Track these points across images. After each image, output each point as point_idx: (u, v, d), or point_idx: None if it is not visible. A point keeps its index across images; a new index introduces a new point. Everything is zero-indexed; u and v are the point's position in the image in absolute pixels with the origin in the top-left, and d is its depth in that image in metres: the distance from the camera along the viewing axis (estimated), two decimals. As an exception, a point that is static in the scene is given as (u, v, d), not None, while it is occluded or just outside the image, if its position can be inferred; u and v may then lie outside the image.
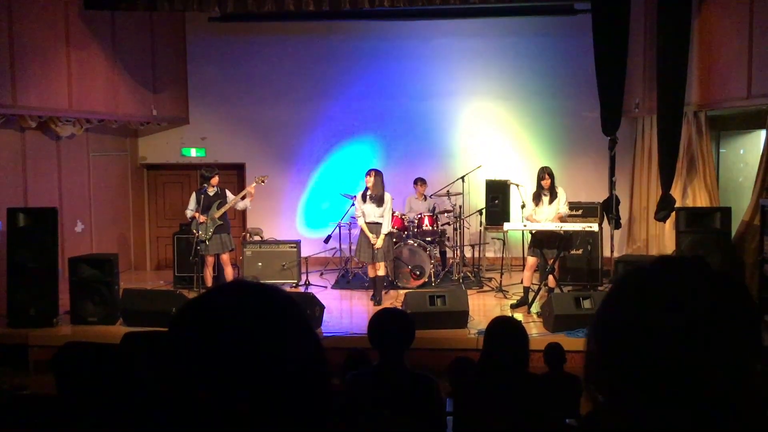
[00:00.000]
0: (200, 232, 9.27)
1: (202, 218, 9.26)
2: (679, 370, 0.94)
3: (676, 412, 0.94)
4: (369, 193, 9.20)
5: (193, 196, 9.48)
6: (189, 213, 9.43)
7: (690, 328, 0.95)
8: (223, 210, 9.35)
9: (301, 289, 9.99)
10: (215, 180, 9.42)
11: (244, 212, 11.09)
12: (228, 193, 9.55)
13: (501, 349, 3.74)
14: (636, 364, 0.97)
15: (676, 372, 0.94)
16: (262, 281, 1.16)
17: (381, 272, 9.34)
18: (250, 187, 9.60)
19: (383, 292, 9.53)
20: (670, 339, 0.95)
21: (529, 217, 8.90)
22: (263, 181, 9.79)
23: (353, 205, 9.99)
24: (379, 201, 9.17)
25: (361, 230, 9.32)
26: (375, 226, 9.19)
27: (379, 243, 9.09)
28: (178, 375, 0.97)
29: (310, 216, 12.46)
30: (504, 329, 3.86)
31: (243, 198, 9.51)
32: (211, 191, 9.41)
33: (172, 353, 0.99)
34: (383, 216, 9.18)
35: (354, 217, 9.82)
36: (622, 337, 1.00)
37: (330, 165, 12.35)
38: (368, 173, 9.26)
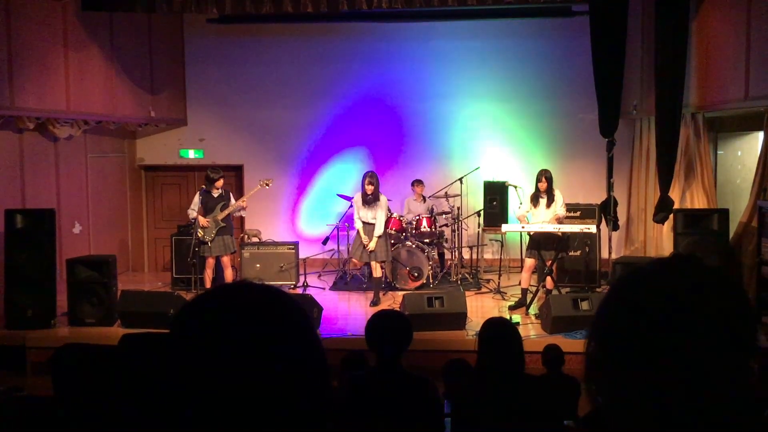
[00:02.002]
0: (200, 233, 9.28)
1: (203, 220, 9.26)
2: (678, 370, 0.94)
3: (675, 411, 0.94)
4: (368, 195, 9.22)
5: (197, 196, 9.49)
6: (191, 213, 9.42)
7: (687, 327, 0.96)
8: (225, 212, 9.35)
9: (299, 291, 9.98)
10: (220, 182, 9.41)
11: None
12: (232, 196, 9.57)
13: (494, 351, 3.74)
14: (635, 365, 0.97)
15: (674, 372, 0.94)
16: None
17: (377, 273, 9.37)
18: (245, 198, 9.59)
19: (381, 293, 9.53)
20: (667, 339, 0.96)
21: (521, 217, 8.91)
22: (267, 185, 9.80)
23: (352, 206, 10.00)
24: (374, 203, 9.23)
25: (357, 230, 9.37)
26: (369, 227, 9.26)
27: (372, 245, 9.14)
28: (179, 375, 0.97)
29: (308, 217, 12.46)
30: (495, 331, 3.86)
31: (241, 207, 9.53)
32: (215, 193, 9.41)
33: (174, 353, 0.99)
34: (376, 217, 9.23)
35: (351, 219, 9.82)
36: (621, 337, 1.00)
37: (328, 166, 12.35)
38: (369, 176, 9.28)
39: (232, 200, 9.50)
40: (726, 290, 1.00)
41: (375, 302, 9.25)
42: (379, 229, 9.25)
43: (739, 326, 0.96)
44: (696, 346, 0.95)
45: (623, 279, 1.07)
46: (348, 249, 10.86)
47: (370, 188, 9.18)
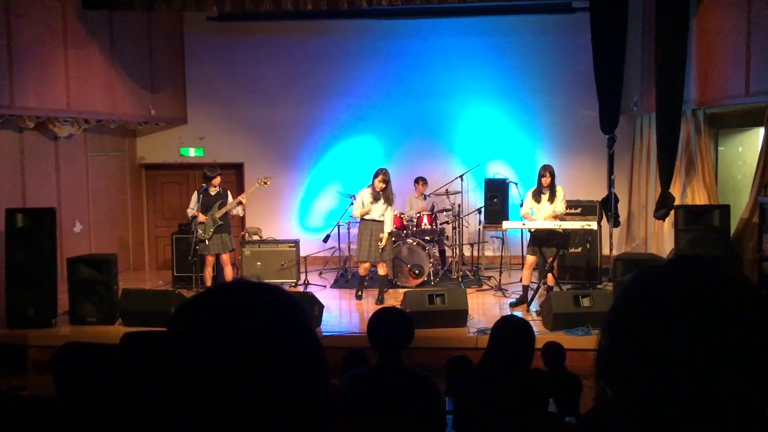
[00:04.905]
0: (200, 232, 9.28)
1: (202, 217, 9.27)
2: (689, 369, 0.94)
3: (683, 408, 0.94)
4: (377, 192, 9.10)
5: (195, 195, 9.48)
6: (190, 212, 9.44)
7: (703, 327, 0.95)
8: (223, 210, 9.35)
9: (300, 289, 9.98)
10: (217, 180, 9.41)
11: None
12: (230, 194, 9.55)
13: (508, 349, 3.74)
14: (647, 362, 0.96)
15: (685, 370, 0.94)
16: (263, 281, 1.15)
17: (382, 271, 9.33)
18: (243, 195, 9.55)
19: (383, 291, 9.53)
20: (682, 337, 0.95)
21: (526, 214, 8.90)
22: (266, 183, 9.78)
23: (352, 204, 9.98)
24: (387, 200, 9.15)
25: (361, 230, 9.24)
26: (377, 224, 9.16)
27: (384, 242, 9.06)
28: (177, 374, 0.97)
29: (308, 215, 12.46)
30: (513, 329, 3.86)
31: (238, 204, 9.48)
32: (213, 191, 9.41)
33: (171, 352, 0.99)
34: (384, 215, 9.16)
35: (353, 216, 9.72)
36: (634, 335, 0.99)
37: (328, 164, 12.35)
38: (382, 173, 9.12)
39: (230, 198, 9.49)
40: (744, 294, 0.99)
41: (380, 300, 9.23)
42: (389, 226, 9.15)
43: (755, 330, 0.96)
44: (709, 348, 0.94)
45: (640, 276, 1.06)
46: (349, 247, 10.86)
47: (381, 186, 9.08)
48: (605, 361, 1.03)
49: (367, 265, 9.35)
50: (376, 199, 9.12)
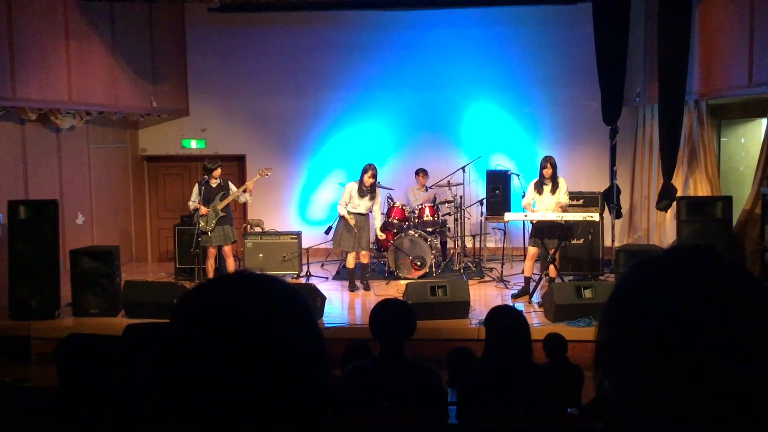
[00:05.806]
0: (202, 223, 9.29)
1: (204, 210, 9.27)
2: (688, 362, 0.94)
3: (683, 402, 0.94)
4: (366, 187, 9.22)
5: (196, 187, 9.49)
6: (191, 204, 9.44)
7: (701, 316, 0.95)
8: (225, 202, 9.35)
9: (302, 280, 9.99)
10: (218, 172, 9.41)
11: (245, 204, 11.09)
12: (231, 185, 9.55)
13: (501, 339, 3.74)
14: (645, 353, 0.96)
15: (684, 362, 0.94)
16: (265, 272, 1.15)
17: (366, 260, 9.50)
18: (250, 182, 9.61)
19: (384, 282, 9.55)
20: (680, 328, 0.95)
21: (527, 205, 8.91)
22: (267, 174, 9.79)
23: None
24: (373, 195, 9.32)
25: (342, 219, 9.34)
26: (362, 217, 9.28)
27: (376, 234, 9.21)
28: (179, 365, 0.97)
29: (310, 207, 12.46)
30: (501, 319, 3.86)
31: (244, 191, 9.51)
32: (214, 183, 9.41)
33: (173, 343, 0.99)
34: (373, 210, 9.29)
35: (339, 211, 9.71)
36: (633, 324, 0.99)
37: (331, 156, 12.34)
38: (371, 169, 9.24)
39: (232, 188, 9.50)
40: (743, 284, 0.98)
41: (367, 286, 9.44)
42: (379, 221, 9.39)
43: (755, 321, 0.95)
44: (707, 339, 0.94)
45: (638, 266, 1.06)
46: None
47: (371, 181, 9.18)
48: (604, 352, 1.03)
49: (354, 256, 9.46)
50: (363, 194, 9.23)
